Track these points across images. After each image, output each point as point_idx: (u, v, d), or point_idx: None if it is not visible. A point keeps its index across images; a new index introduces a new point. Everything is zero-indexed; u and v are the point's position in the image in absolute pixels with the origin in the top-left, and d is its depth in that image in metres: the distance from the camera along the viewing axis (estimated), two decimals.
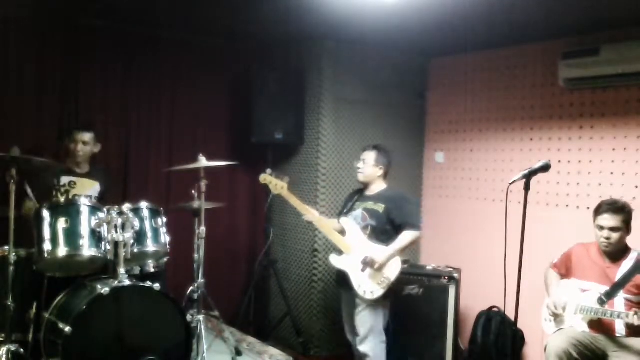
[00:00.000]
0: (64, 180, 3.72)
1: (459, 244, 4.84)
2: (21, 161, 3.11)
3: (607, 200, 3.38)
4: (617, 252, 3.32)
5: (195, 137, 4.70)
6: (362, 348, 3.59)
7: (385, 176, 3.80)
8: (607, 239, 3.27)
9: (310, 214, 3.77)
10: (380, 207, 3.66)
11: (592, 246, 3.42)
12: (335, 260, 3.70)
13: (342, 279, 3.71)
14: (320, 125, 4.55)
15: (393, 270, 3.56)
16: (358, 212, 3.72)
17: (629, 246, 3.34)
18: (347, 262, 3.64)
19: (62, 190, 3.68)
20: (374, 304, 3.57)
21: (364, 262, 3.56)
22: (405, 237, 3.56)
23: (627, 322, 3.08)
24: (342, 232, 3.73)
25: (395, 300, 4.27)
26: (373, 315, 3.58)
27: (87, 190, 3.78)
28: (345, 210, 3.84)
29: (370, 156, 3.74)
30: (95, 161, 3.93)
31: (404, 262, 4.53)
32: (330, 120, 4.57)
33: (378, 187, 3.76)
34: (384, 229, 3.63)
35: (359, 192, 3.87)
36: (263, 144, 4.64)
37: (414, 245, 3.62)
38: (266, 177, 3.83)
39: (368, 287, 3.55)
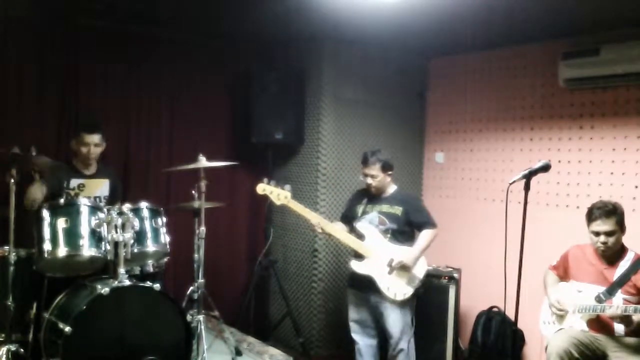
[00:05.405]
0: (73, 183, 3.70)
1: (459, 244, 4.83)
2: (22, 161, 3.11)
3: (597, 203, 3.30)
4: (614, 254, 3.30)
5: (195, 137, 4.69)
6: (399, 346, 3.65)
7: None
8: (605, 243, 3.24)
9: (322, 222, 3.64)
10: (398, 210, 3.69)
11: (588, 247, 3.40)
12: (357, 266, 3.65)
13: (359, 283, 3.68)
14: (320, 125, 4.55)
15: (421, 269, 3.67)
16: (373, 215, 3.71)
17: (625, 246, 3.33)
18: (370, 266, 3.61)
19: (73, 193, 3.66)
20: (403, 304, 3.63)
21: (390, 264, 3.56)
22: (427, 235, 3.69)
23: (613, 313, 3.08)
24: (359, 236, 3.67)
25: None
26: (404, 315, 3.64)
27: (96, 190, 3.77)
28: (358, 214, 3.76)
29: (376, 169, 3.66)
30: (102, 159, 3.91)
31: None
32: (330, 120, 4.57)
33: (390, 189, 3.79)
34: (403, 231, 3.71)
35: (366, 194, 3.80)
36: (263, 143, 4.64)
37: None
38: (265, 187, 3.60)
39: (398, 288, 3.59)
